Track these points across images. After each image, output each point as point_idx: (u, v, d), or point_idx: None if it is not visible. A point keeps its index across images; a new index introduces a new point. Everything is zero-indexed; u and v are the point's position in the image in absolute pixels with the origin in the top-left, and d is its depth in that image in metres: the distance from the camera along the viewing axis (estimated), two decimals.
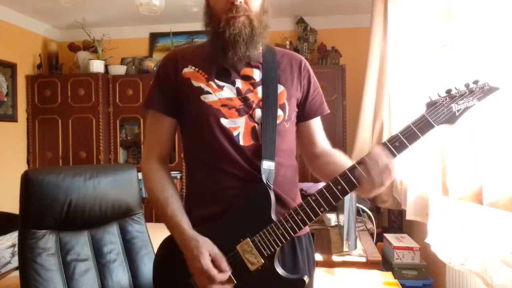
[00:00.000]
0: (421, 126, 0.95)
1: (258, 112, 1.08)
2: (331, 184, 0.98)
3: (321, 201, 0.99)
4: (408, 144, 0.95)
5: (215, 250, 1.02)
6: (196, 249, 1.00)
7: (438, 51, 2.02)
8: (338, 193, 0.98)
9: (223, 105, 1.07)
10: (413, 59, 2.35)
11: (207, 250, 1.00)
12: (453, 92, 0.96)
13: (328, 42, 3.70)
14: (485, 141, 1.57)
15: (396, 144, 0.95)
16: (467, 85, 0.96)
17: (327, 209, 0.99)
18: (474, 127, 1.61)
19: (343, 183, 0.97)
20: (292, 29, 3.89)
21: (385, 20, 2.83)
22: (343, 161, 1.12)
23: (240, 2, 1.03)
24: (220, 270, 1.00)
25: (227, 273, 1.00)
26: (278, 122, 1.09)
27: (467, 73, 1.73)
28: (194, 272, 1.02)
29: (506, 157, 1.46)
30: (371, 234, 2.60)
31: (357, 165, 0.97)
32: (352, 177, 0.97)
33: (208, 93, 1.08)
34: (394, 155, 0.96)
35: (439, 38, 2.01)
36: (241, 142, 1.06)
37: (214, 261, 1.00)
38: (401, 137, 0.95)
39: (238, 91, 1.09)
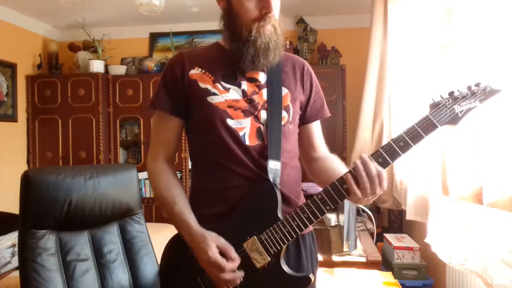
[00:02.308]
0: (425, 126, 0.97)
1: (263, 114, 1.10)
2: (335, 183, 1.00)
3: (327, 199, 1.00)
4: (412, 144, 0.97)
5: (222, 241, 1.03)
6: (203, 243, 1.02)
7: (438, 51, 2.02)
8: (341, 195, 1.00)
9: (229, 106, 1.09)
10: (413, 59, 2.35)
11: (213, 242, 1.02)
12: (456, 94, 0.99)
13: (328, 42, 3.70)
14: (485, 141, 1.57)
15: (401, 144, 0.98)
16: (469, 87, 0.99)
17: (333, 207, 1.01)
18: (474, 127, 1.61)
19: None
20: (292, 29, 3.88)
21: (385, 20, 2.83)
22: (338, 168, 1.15)
23: (273, 13, 1.05)
24: (229, 258, 1.01)
25: (237, 261, 1.02)
26: (282, 123, 1.11)
27: (467, 73, 1.73)
28: (204, 266, 1.03)
29: (506, 157, 1.46)
30: (371, 234, 2.60)
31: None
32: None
33: (215, 94, 1.10)
34: (399, 155, 0.98)
35: (439, 38, 2.01)
36: (247, 142, 1.08)
37: (222, 251, 1.02)
38: (405, 137, 0.98)
39: (244, 93, 1.11)
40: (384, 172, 0.97)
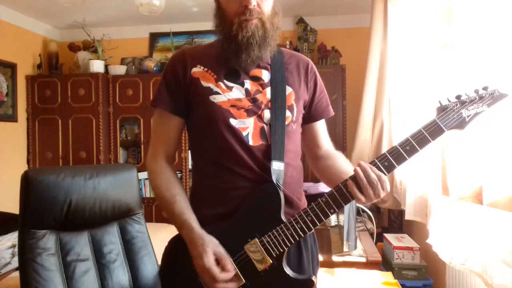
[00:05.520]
0: (432, 130, 0.96)
1: (267, 113, 1.09)
2: (340, 186, 1.00)
3: (331, 202, 1.00)
4: (418, 148, 0.97)
5: (220, 249, 1.02)
6: (201, 247, 1.01)
7: (438, 51, 2.02)
8: (346, 198, 1.00)
9: (232, 106, 1.07)
10: (413, 60, 2.35)
11: (211, 249, 1.01)
12: (463, 98, 0.98)
13: (328, 42, 3.70)
14: (485, 141, 1.57)
15: (407, 148, 0.97)
16: (476, 91, 0.97)
17: (337, 210, 1.00)
18: (474, 127, 1.61)
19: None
20: (292, 29, 3.89)
21: (385, 20, 2.83)
22: (343, 166, 1.15)
23: (254, 5, 1.02)
24: (224, 269, 1.00)
25: (231, 273, 1.01)
26: (286, 123, 1.10)
27: (467, 74, 1.73)
28: (198, 270, 1.03)
29: (506, 157, 1.46)
30: (371, 234, 2.60)
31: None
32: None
33: (217, 93, 1.08)
34: (405, 159, 0.97)
35: (439, 39, 2.01)
36: (251, 142, 1.07)
37: (218, 260, 1.01)
38: (412, 141, 0.97)
39: (247, 92, 1.09)
40: (384, 176, 0.96)
